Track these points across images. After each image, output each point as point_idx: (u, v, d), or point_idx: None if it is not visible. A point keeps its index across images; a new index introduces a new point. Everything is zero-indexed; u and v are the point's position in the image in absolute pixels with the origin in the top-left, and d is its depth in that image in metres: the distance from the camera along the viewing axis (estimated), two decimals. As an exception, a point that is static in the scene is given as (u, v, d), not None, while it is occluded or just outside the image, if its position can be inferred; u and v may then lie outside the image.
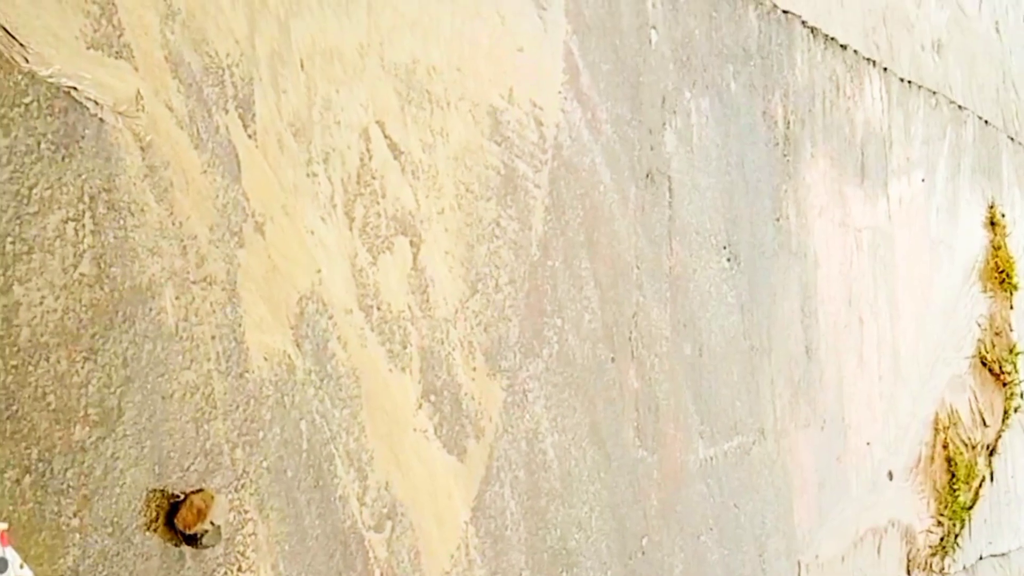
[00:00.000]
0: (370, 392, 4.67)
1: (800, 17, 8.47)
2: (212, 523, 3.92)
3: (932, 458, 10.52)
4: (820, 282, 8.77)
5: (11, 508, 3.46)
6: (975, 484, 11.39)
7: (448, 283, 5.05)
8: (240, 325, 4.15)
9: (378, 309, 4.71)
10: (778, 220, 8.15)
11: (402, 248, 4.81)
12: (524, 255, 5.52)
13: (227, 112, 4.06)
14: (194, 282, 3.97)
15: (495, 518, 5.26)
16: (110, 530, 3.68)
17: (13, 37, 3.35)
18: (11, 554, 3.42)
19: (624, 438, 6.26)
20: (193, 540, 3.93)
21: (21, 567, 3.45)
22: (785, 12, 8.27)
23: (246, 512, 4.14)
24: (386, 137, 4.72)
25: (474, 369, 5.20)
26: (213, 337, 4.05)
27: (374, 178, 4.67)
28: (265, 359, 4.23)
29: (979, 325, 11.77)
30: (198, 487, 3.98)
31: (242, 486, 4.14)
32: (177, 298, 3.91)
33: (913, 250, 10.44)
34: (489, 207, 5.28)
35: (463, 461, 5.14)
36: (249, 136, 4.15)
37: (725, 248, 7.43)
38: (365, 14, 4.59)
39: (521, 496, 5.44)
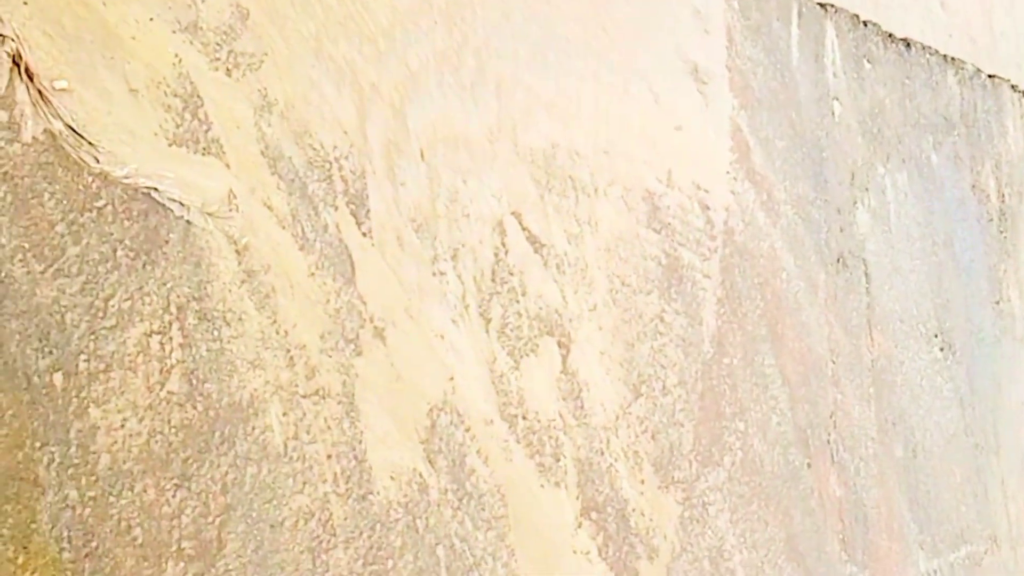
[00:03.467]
0: (519, 511, 4.19)
1: (1009, 81, 7.78)
2: (330, 666, 3.49)
3: None
4: (1052, 370, 7.93)
5: (92, 656, 3.10)
6: None
7: (606, 387, 4.56)
8: (361, 442, 3.75)
9: (523, 418, 4.25)
10: (998, 303, 7.40)
11: (549, 350, 4.36)
12: (695, 353, 5.00)
13: (336, 208, 3.72)
14: (304, 396, 3.60)
15: (675, 649, 4.69)
16: (212, 677, 3.29)
17: (81, 136, 3.07)
18: None
19: (828, 552, 5.60)
20: None
21: None
22: (991, 76, 7.60)
23: (375, 651, 3.69)
24: (524, 229, 4.31)
25: (642, 482, 4.68)
26: (329, 456, 3.66)
27: (512, 274, 4.25)
28: (392, 478, 3.81)
29: None
30: (315, 625, 3.57)
31: (371, 622, 3.71)
32: (285, 414, 3.54)
33: None
34: (650, 301, 4.79)
35: (635, 585, 4.60)
36: (363, 234, 3.79)
37: (936, 336, 6.73)
38: (493, 96, 4.21)
39: (706, 622, 4.86)
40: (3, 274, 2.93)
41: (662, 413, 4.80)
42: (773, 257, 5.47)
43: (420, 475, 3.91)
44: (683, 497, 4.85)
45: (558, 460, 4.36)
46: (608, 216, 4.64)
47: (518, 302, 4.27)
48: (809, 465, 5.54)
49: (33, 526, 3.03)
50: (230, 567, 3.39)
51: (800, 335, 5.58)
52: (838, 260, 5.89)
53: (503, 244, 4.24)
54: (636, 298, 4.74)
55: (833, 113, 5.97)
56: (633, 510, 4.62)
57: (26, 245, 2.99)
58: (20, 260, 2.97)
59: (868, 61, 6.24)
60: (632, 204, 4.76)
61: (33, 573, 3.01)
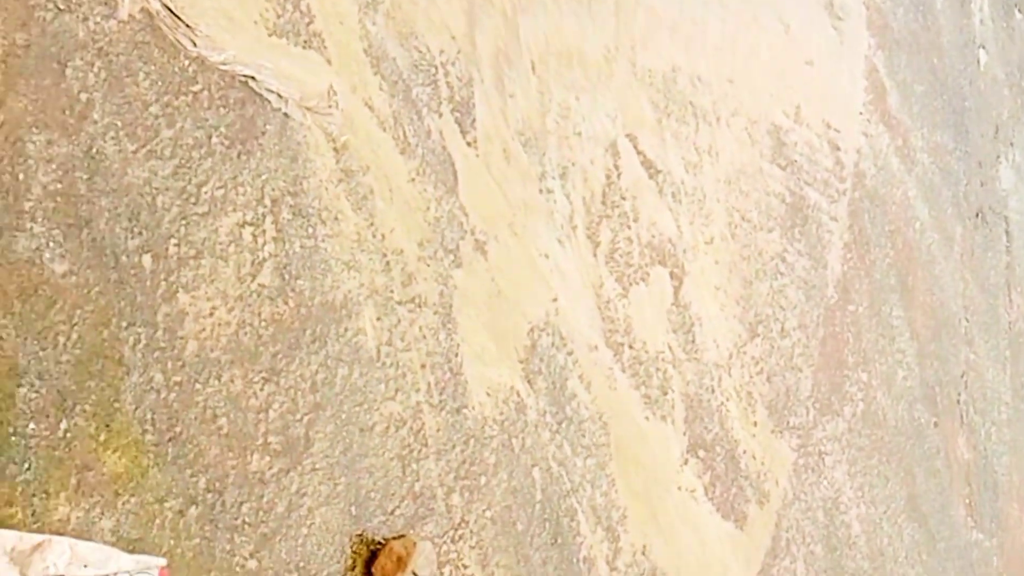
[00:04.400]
0: (622, 441, 4.08)
1: None
2: (414, 573, 3.42)
3: None
4: None
5: (172, 542, 3.08)
6: None
7: (720, 323, 4.41)
8: (457, 354, 3.67)
9: (630, 348, 4.13)
10: None
11: (660, 280, 4.23)
12: (818, 297, 4.81)
13: (440, 115, 3.64)
14: (400, 303, 3.54)
15: (781, 598, 4.52)
16: (295, 575, 3.25)
17: (178, 17, 3.04)
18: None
19: (953, 517, 5.36)
20: (396, 593, 3.45)
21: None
22: None
23: (465, 568, 3.62)
24: (639, 153, 4.18)
25: (755, 424, 4.51)
26: (423, 366, 3.59)
27: (624, 198, 4.12)
28: (488, 395, 3.73)
29: None
30: (401, 533, 3.50)
31: (460, 537, 3.63)
32: (379, 319, 3.48)
33: None
34: (772, 239, 4.62)
35: (743, 529, 4.44)
36: (468, 143, 3.71)
37: (1083, 304, 6.39)
38: (611, 14, 4.09)
39: (818, 575, 4.67)
40: (95, 150, 2.92)
41: (779, 356, 4.63)
42: (906, 205, 5.24)
43: (518, 394, 3.82)
44: (798, 444, 4.68)
45: (665, 393, 4.23)
46: (730, 147, 4.48)
47: (629, 228, 4.14)
48: (936, 424, 5.30)
49: (116, 405, 3.02)
50: (317, 466, 3.34)
51: (932, 289, 5.34)
52: (977, 215, 5.62)
53: (616, 166, 4.12)
54: (756, 235, 4.57)
55: (978, 62, 5.70)
56: (744, 452, 4.46)
57: (119, 123, 2.97)
58: (112, 138, 2.95)
59: (1020, 11, 5.95)
60: (756, 137, 4.59)
61: (115, 452, 3.00)
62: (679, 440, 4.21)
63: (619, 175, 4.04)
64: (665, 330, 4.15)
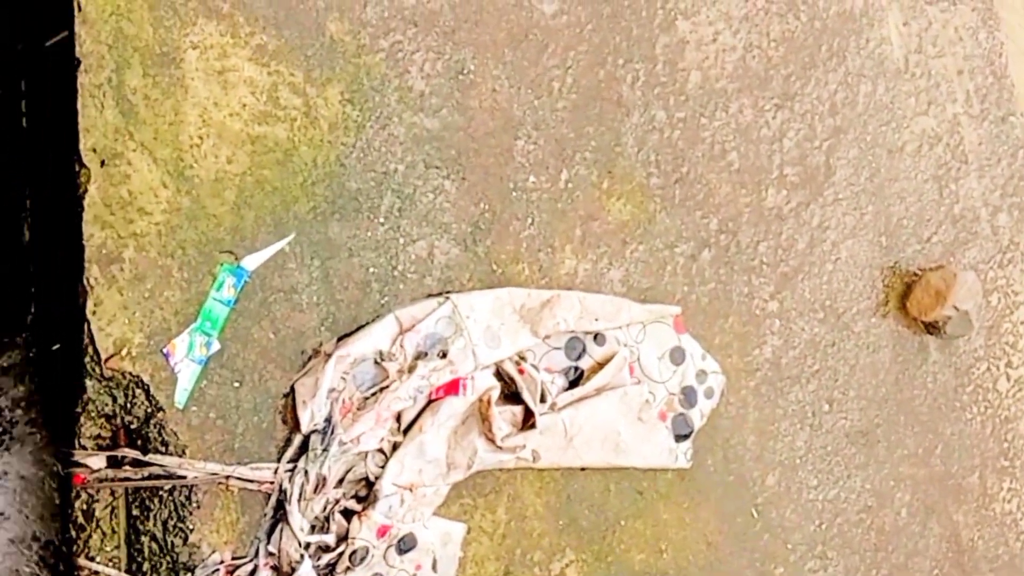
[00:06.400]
0: None
1: None
2: (956, 308, 3.09)
3: None
4: None
5: (686, 289, 2.93)
6: None
7: None
8: (1000, 55, 3.19)
9: None
10: None
11: None
12: None
13: None
14: (929, 2, 3.09)
15: None
16: (820, 315, 3.03)
17: None
18: (688, 342, 2.89)
19: None
20: (933, 328, 3.15)
21: (703, 358, 2.92)
22: None
23: (1016, 294, 3.26)
24: None
25: None
26: (960, 72, 3.14)
27: None
28: (1036, 98, 3.23)
29: None
30: (939, 263, 3.17)
31: (1008, 261, 3.25)
32: (905, 24, 3.06)
33: None
34: None
35: None
36: None
37: None
38: None
39: None
40: None
41: None
42: None
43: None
44: None
45: None
46: None
47: None
48: None
49: (617, 149, 2.84)
50: (840, 196, 3.04)
51: None
52: None
53: None
54: None
55: None
56: None
57: None
58: None
59: None
60: None
61: (619, 199, 2.85)
62: None
63: None
64: None
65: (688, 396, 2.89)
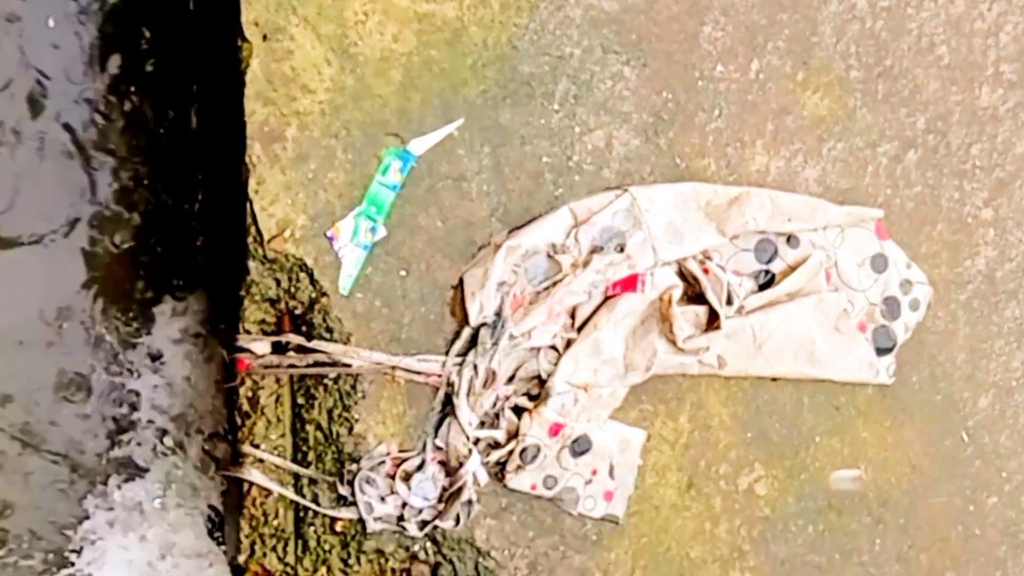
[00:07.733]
0: None
1: None
2: None
3: None
4: None
5: (888, 192, 2.72)
6: None
7: None
8: None
9: None
10: None
11: None
12: None
13: None
14: None
15: None
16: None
17: None
18: (892, 248, 2.68)
19: None
20: None
21: (908, 267, 2.70)
22: None
23: None
24: None
25: None
26: None
27: None
28: None
29: None
30: None
31: None
32: None
33: None
34: None
35: None
36: None
37: None
38: None
39: None
40: None
41: None
42: None
43: None
44: None
45: None
46: None
47: None
48: None
49: (814, 39, 2.64)
50: (1063, 96, 2.78)
51: None
52: None
53: None
54: None
55: None
56: None
57: None
58: None
59: None
60: None
61: (816, 92, 2.65)
62: None
63: None
64: None
65: (891, 307, 2.68)
